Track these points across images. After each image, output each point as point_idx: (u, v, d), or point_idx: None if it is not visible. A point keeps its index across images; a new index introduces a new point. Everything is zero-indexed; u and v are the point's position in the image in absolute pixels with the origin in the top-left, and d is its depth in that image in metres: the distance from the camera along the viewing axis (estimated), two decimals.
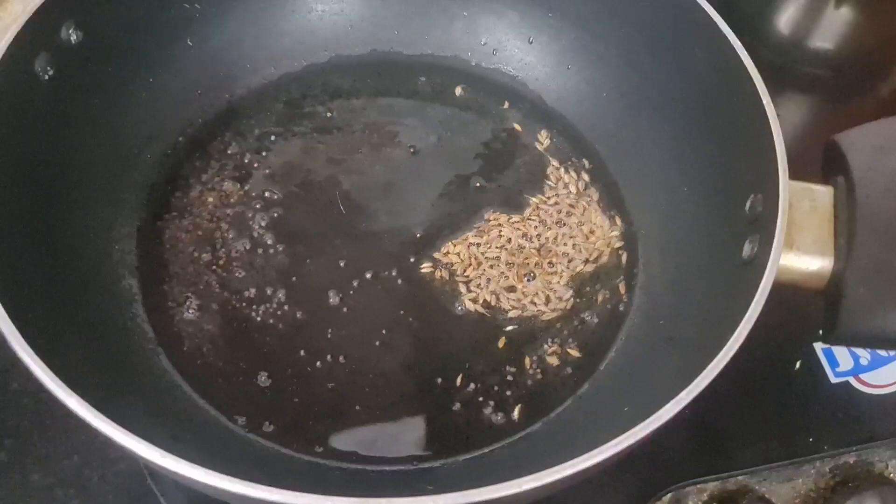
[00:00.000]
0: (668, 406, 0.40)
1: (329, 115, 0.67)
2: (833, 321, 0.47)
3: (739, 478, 0.59)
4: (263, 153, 0.65)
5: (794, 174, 0.48)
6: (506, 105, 0.69)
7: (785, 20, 0.85)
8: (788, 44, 0.86)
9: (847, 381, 0.63)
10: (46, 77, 0.53)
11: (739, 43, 0.53)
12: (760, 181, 0.49)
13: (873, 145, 0.50)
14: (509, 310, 0.58)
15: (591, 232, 0.62)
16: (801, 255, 0.48)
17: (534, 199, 0.64)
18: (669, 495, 0.57)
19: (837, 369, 0.64)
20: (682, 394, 0.41)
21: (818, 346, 0.65)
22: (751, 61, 0.52)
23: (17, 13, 0.53)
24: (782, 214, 0.46)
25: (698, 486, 0.58)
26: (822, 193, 0.49)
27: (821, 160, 0.53)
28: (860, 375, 0.64)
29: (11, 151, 0.50)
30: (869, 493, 0.57)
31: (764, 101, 0.50)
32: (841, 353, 0.65)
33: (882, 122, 0.52)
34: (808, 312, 0.61)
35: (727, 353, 0.42)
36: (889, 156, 0.49)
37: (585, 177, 0.65)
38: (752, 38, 0.55)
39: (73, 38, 0.54)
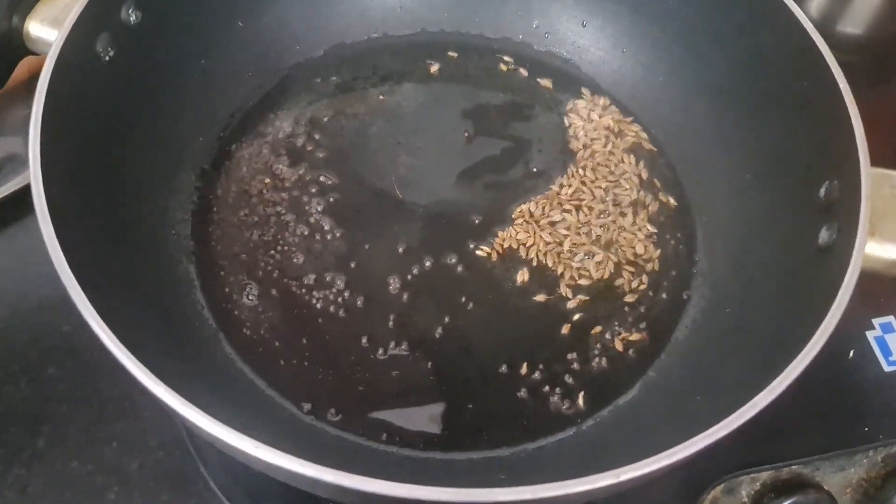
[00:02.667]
0: (759, 396, 0.40)
1: (381, 97, 0.66)
2: None
3: (793, 467, 0.58)
4: (317, 136, 0.63)
5: None
6: (560, 89, 0.68)
7: (815, 5, 0.84)
8: (818, 29, 0.85)
9: None
10: (107, 58, 0.52)
11: (811, 25, 0.52)
12: (837, 167, 0.49)
13: None
14: (572, 296, 0.58)
15: (651, 218, 0.61)
16: (883, 242, 0.47)
17: (591, 184, 0.63)
18: (722, 485, 0.57)
19: (890, 358, 0.63)
20: (774, 382, 0.40)
21: (871, 335, 0.64)
22: (825, 44, 0.51)
23: None
24: (865, 201, 0.46)
25: (751, 475, 0.57)
26: None
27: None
28: None
29: (75, 131, 0.49)
30: None
31: (841, 86, 0.49)
32: (894, 341, 0.64)
33: None
34: (861, 302, 0.60)
35: (816, 344, 0.42)
36: None
37: (642, 163, 0.64)
38: None
39: (133, 18, 0.54)
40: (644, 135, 0.65)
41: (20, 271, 0.63)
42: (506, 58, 0.69)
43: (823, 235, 0.49)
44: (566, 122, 0.66)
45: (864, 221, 0.45)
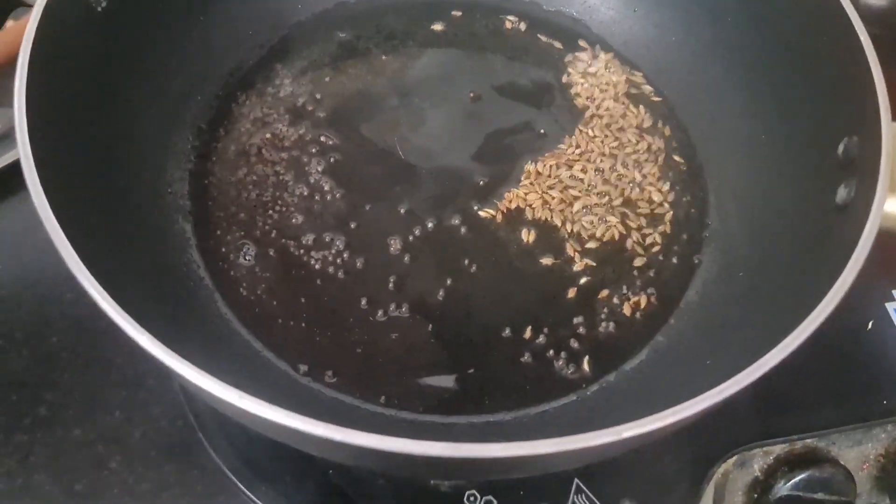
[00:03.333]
0: (769, 354, 0.38)
1: (384, 57, 0.64)
2: None
3: (808, 441, 0.57)
4: (318, 95, 0.62)
5: None
6: (567, 48, 0.66)
7: None
8: None
9: None
10: (100, 8, 0.50)
11: None
12: (857, 123, 0.47)
13: None
14: (579, 259, 0.56)
15: (661, 180, 0.60)
16: None
17: (600, 145, 0.61)
18: (735, 458, 0.55)
19: None
20: (787, 340, 0.38)
21: (890, 307, 0.63)
22: None
23: None
24: (886, 157, 0.44)
25: (765, 448, 0.56)
26: None
27: None
28: None
29: (65, 84, 0.47)
30: None
31: (862, 39, 0.47)
32: None
33: None
34: (881, 273, 0.58)
35: (831, 301, 0.39)
36: None
37: (654, 123, 0.62)
38: None
39: None
40: (655, 96, 0.63)
41: (22, 241, 0.62)
42: (511, 17, 0.67)
43: (841, 193, 0.47)
44: (573, 80, 0.64)
45: (884, 177, 0.43)
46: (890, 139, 0.44)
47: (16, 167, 0.62)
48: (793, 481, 0.55)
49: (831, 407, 0.58)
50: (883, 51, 0.80)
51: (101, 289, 0.37)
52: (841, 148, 0.48)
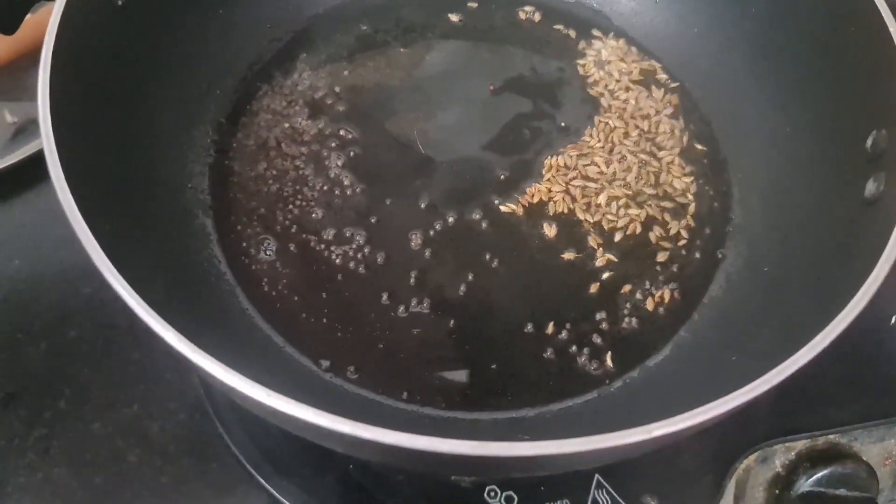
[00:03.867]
0: (800, 353, 0.38)
1: (402, 49, 0.64)
2: None
3: (830, 437, 0.56)
4: (336, 89, 0.62)
5: None
6: (587, 39, 0.65)
7: None
8: None
9: None
10: (120, 3, 0.50)
11: None
12: (886, 116, 0.46)
13: None
14: (602, 254, 0.56)
15: (684, 173, 0.59)
16: None
17: (621, 136, 0.60)
18: (756, 454, 0.55)
19: None
20: (817, 338, 0.38)
21: None
22: None
23: None
24: None
25: (786, 444, 0.56)
26: None
27: None
28: None
29: (87, 79, 0.47)
30: None
31: (892, 30, 0.47)
32: None
33: None
34: None
35: (862, 300, 0.39)
36: None
37: (676, 115, 0.62)
38: None
39: None
40: (677, 88, 0.63)
41: (41, 235, 0.63)
42: (527, 7, 0.67)
43: (870, 187, 0.47)
44: (592, 71, 0.64)
45: None
46: None
47: (31, 162, 0.63)
48: (815, 477, 0.55)
49: (853, 403, 0.58)
50: None
51: (128, 287, 0.37)
52: (869, 141, 0.48)
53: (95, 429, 0.55)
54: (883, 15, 0.47)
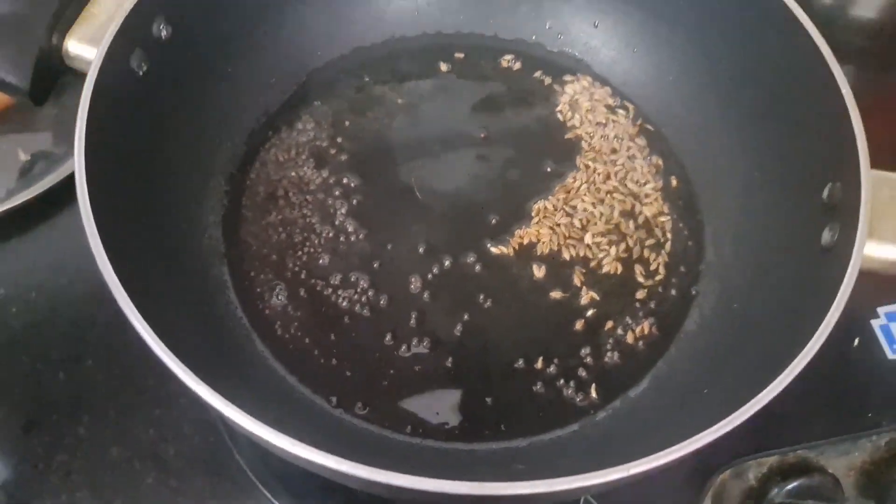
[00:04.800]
0: (762, 394, 0.42)
1: (399, 100, 0.68)
2: None
3: (799, 452, 0.60)
4: (339, 139, 0.66)
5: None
6: (566, 85, 0.70)
7: None
8: (830, 12, 0.85)
9: None
10: (141, 72, 0.54)
11: (815, 29, 0.54)
12: (839, 169, 0.50)
13: None
14: (586, 293, 0.60)
15: (661, 213, 0.64)
16: (882, 243, 0.48)
17: (604, 181, 0.65)
18: (731, 470, 0.60)
19: (895, 346, 0.65)
20: (774, 382, 0.42)
21: (876, 324, 0.66)
22: (828, 48, 0.52)
23: (110, 9, 0.54)
24: (865, 204, 0.47)
25: (759, 460, 0.60)
26: None
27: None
28: None
29: (111, 144, 0.51)
30: None
31: (843, 91, 0.51)
32: None
33: None
34: (866, 291, 0.62)
35: (815, 345, 0.44)
36: None
37: (654, 160, 0.66)
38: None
39: (164, 33, 0.56)
40: (654, 131, 0.67)
41: (57, 266, 0.66)
42: (507, 56, 0.71)
43: (826, 236, 0.50)
44: (575, 117, 0.68)
45: (863, 223, 0.47)
46: (869, 187, 0.48)
47: (48, 195, 0.66)
48: (785, 489, 0.59)
49: (821, 420, 0.62)
50: (870, 62, 0.84)
51: (157, 338, 0.42)
52: (826, 192, 0.52)
53: (114, 453, 0.59)
54: (836, 77, 0.51)
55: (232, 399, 0.41)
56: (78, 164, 0.47)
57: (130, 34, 0.53)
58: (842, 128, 0.50)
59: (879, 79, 0.85)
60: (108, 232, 0.45)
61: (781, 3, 0.55)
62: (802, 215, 0.53)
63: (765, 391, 0.42)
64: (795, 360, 0.43)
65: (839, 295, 0.45)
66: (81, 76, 0.51)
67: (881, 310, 0.67)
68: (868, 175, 0.48)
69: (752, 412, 0.42)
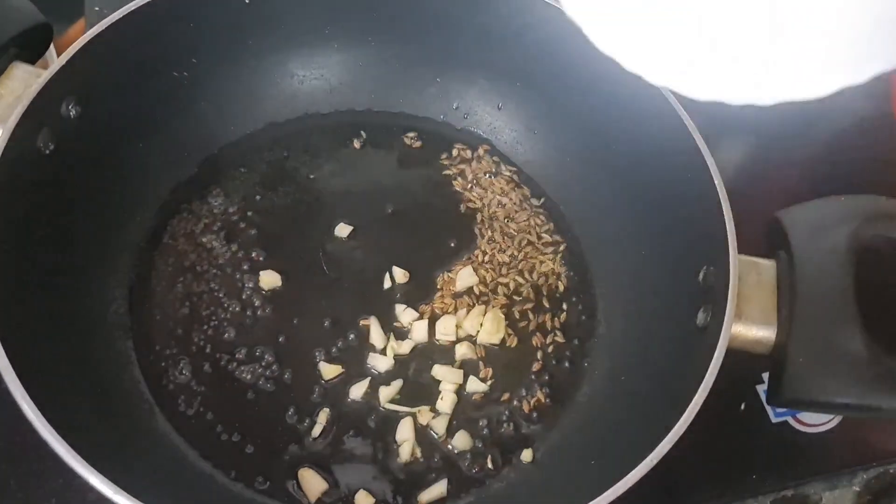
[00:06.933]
0: (634, 471, 0.45)
1: (311, 176, 0.70)
2: (777, 387, 0.52)
3: None
4: (249, 213, 0.67)
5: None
6: (477, 165, 0.73)
7: None
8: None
9: (786, 421, 0.68)
10: (48, 151, 0.55)
11: (693, 124, 0.58)
12: (712, 255, 0.54)
13: (812, 224, 0.56)
14: (482, 367, 0.63)
15: (557, 288, 0.67)
16: (748, 324, 0.53)
17: (504, 256, 0.68)
18: None
19: (777, 410, 0.69)
20: (648, 458, 0.46)
21: (760, 389, 0.70)
22: (704, 143, 0.57)
23: (18, 90, 0.55)
24: (732, 289, 0.51)
25: None
26: (767, 267, 0.55)
27: (766, 234, 0.58)
28: (798, 416, 0.68)
29: (16, 218, 0.52)
30: None
31: (716, 182, 0.55)
32: None
33: (821, 202, 0.57)
34: (752, 359, 0.66)
35: (688, 417, 0.47)
36: (825, 234, 0.55)
37: (552, 237, 0.70)
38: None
39: (73, 112, 0.57)
40: (552, 209, 0.71)
41: None
42: (410, 134, 0.73)
43: (700, 317, 0.54)
44: (478, 193, 0.71)
45: (731, 306, 0.51)
46: (736, 272, 0.52)
47: None
48: None
49: (709, 482, 0.64)
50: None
51: (52, 429, 0.42)
52: (701, 275, 0.56)
53: None
54: (712, 172, 0.55)
55: (121, 479, 0.42)
56: None
57: (38, 114, 0.53)
58: (713, 218, 0.54)
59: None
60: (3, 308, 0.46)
61: (660, 95, 0.59)
62: (683, 296, 0.57)
63: (631, 472, 0.45)
64: (662, 443, 0.46)
65: (708, 372, 0.49)
66: None
67: (766, 375, 0.71)
68: (735, 262, 0.52)
69: (629, 485, 0.45)
